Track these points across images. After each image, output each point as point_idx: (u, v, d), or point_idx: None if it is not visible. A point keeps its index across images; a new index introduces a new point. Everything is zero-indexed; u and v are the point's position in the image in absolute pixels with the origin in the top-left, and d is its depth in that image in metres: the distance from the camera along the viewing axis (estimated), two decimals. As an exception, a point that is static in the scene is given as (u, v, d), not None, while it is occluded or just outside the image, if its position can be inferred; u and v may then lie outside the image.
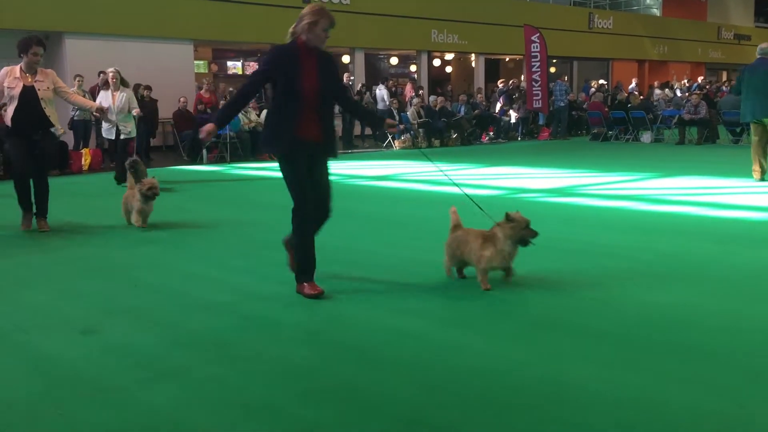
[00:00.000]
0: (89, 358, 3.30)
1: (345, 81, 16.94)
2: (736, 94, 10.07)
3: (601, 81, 23.98)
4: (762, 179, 9.08)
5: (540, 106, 19.50)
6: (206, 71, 19.41)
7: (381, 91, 17.90)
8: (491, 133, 19.03)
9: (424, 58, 21.63)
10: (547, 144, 17.99)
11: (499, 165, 12.25)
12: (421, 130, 17.19)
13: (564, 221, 6.71)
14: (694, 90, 21.04)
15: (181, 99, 14.48)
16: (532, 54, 19.60)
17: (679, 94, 23.22)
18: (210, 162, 13.87)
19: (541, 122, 20.03)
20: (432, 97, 18.77)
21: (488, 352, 3.28)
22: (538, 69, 19.45)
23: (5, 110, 6.46)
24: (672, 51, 28.64)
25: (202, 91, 15.78)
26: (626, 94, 20.05)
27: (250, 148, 14.12)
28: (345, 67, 19.14)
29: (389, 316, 3.87)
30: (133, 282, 4.73)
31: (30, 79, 6.45)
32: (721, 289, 4.27)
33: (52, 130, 6.56)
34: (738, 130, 15.85)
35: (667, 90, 23.87)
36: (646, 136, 17.20)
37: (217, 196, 9.36)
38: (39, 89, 6.41)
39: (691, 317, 3.73)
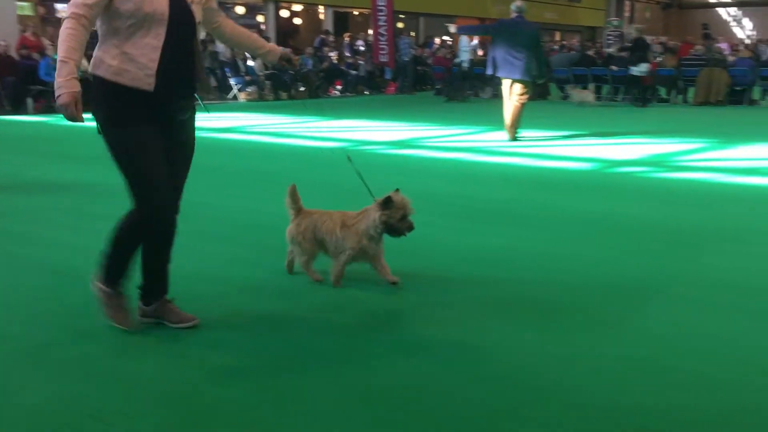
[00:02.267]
0: None
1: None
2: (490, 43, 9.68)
3: (445, 38, 24.62)
4: (515, 138, 9.10)
5: (386, 60, 19.76)
6: (32, 13, 17.84)
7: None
8: (338, 87, 19.07)
9: (272, 8, 21.15)
10: (393, 98, 18.31)
11: (345, 118, 12.35)
12: (268, 82, 16.91)
13: (402, 171, 6.95)
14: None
15: (3, 42, 13.27)
16: (379, 8, 19.73)
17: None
18: (37, 112, 12.89)
19: (387, 77, 20.32)
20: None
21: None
22: (385, 23, 19.64)
23: (108, 59, 2.69)
24: (505, 10, 29.84)
25: (27, 34, 14.53)
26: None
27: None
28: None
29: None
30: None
31: None
32: (539, 232, 4.64)
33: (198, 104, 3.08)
34: (566, 87, 17.02)
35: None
36: (487, 91, 17.97)
37: (41, 149, 8.76)
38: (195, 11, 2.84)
39: (507, 255, 4.05)
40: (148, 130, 2.72)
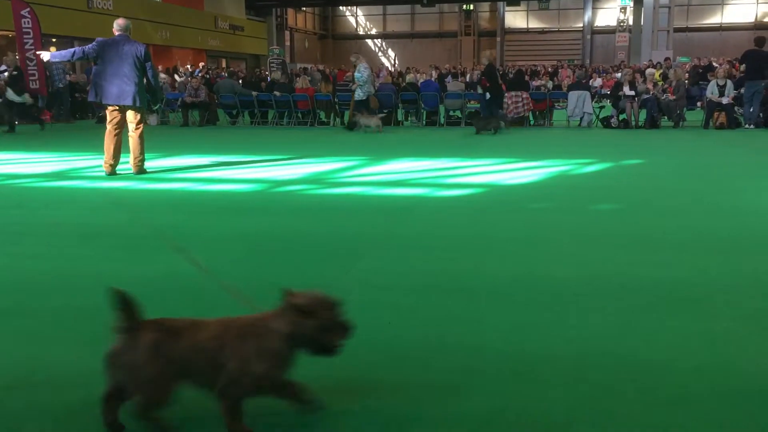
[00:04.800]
0: None
1: None
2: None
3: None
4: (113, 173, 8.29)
5: (38, 87, 18.13)
6: None
7: None
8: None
9: None
10: (48, 127, 16.84)
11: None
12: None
13: (54, 204, 6.45)
14: (197, 75, 22.13)
15: None
16: (24, 30, 18.05)
17: (181, 78, 24.12)
18: None
19: (41, 104, 18.63)
20: None
21: None
22: (32, 47, 18.01)
23: None
24: (175, 37, 29.53)
25: None
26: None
27: None
28: None
29: None
30: None
31: None
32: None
33: None
34: (234, 112, 17.37)
35: (175, 75, 24.58)
36: (152, 119, 17.49)
37: None
38: None
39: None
40: None
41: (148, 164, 8.72)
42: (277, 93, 17.00)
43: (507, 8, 45.00)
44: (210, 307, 3.41)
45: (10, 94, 16.12)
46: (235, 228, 5.52)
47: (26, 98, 16.49)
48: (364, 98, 15.17)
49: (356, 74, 15.16)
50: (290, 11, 43.33)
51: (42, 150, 11.43)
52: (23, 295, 3.80)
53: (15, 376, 2.77)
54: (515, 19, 46.61)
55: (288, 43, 42.16)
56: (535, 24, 46.32)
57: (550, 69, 29.82)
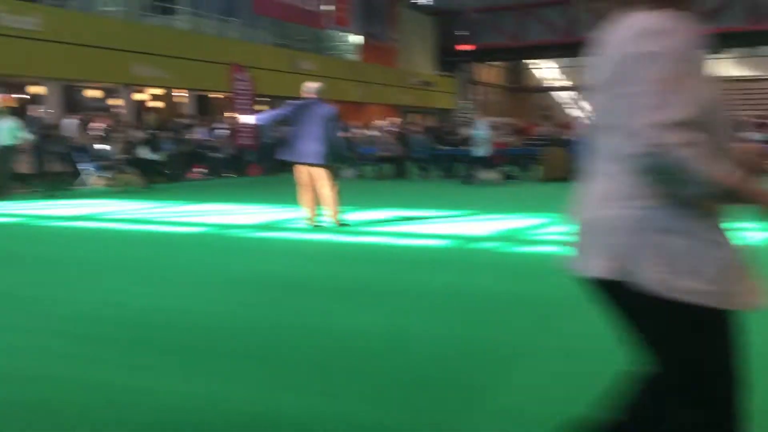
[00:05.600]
0: None
1: (36, 113, 15.55)
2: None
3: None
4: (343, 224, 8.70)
5: (249, 142, 19.81)
6: None
7: (69, 122, 16.54)
8: (201, 170, 18.81)
9: (126, 91, 20.72)
10: (256, 180, 18.29)
11: (207, 202, 12.17)
12: (131, 168, 16.36)
13: (265, 254, 6.91)
14: (390, 129, 23.00)
15: None
16: (240, 92, 19.89)
17: (376, 133, 25.17)
18: None
19: (249, 159, 20.32)
20: (138, 133, 18.00)
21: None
22: (246, 107, 19.79)
23: None
24: (369, 93, 31.08)
25: None
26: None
27: None
28: (39, 99, 17.59)
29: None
30: None
31: None
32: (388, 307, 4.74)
33: None
34: (426, 166, 17.79)
35: (369, 130, 25.76)
36: (349, 172, 18.38)
37: None
38: None
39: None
40: None
41: (346, 216, 9.11)
42: (466, 147, 17.18)
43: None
44: (422, 362, 3.41)
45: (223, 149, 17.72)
46: (430, 282, 5.55)
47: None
48: (486, 155, 15.95)
49: (475, 132, 16.31)
50: (479, 65, 44.00)
51: (250, 201, 12.37)
52: (249, 340, 4.05)
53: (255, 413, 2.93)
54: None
55: (479, 97, 42.74)
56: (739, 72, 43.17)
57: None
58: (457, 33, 37.70)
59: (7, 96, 17.84)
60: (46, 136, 15.54)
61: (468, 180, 15.90)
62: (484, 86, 45.28)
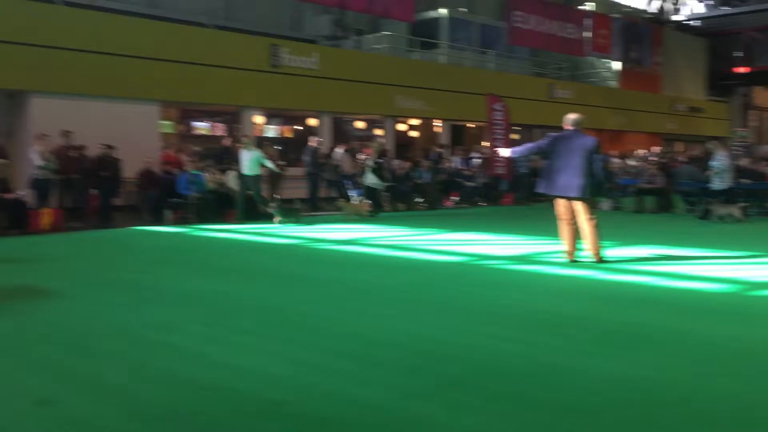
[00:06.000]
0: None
1: (314, 143, 17.09)
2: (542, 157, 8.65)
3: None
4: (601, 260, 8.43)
5: (503, 172, 19.92)
6: (173, 131, 19.47)
7: (339, 151, 17.84)
8: (455, 198, 19.31)
9: (390, 122, 22.03)
10: (509, 210, 18.30)
11: (463, 231, 12.41)
12: (386, 194, 17.34)
13: (522, 289, 6.83)
14: (652, 159, 21.68)
15: (147, 159, 14.47)
16: (495, 121, 20.12)
17: (635, 163, 23.88)
18: (174, 223, 13.79)
19: (503, 188, 20.42)
20: (397, 161, 19.03)
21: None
22: (501, 136, 19.95)
23: None
24: (629, 122, 29.63)
25: (168, 151, 15.81)
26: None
27: (216, 208, 14.09)
28: (313, 131, 19.41)
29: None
30: (93, 350, 4.66)
31: None
32: (678, 359, 4.38)
33: None
34: (694, 200, 16.38)
35: (629, 160, 24.55)
36: (606, 204, 17.62)
37: (179, 259, 9.29)
38: None
39: (651, 389, 3.82)
40: None
41: (607, 252, 8.71)
42: (745, 180, 15.58)
43: None
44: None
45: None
46: (709, 332, 5.07)
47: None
48: (724, 188, 14.62)
49: (715, 163, 14.72)
50: (757, 89, 39.89)
51: (505, 231, 12.38)
52: (503, 379, 4.03)
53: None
54: None
55: (755, 123, 38.76)
56: None
57: None
58: (734, 54, 34.64)
59: (285, 127, 19.93)
60: (321, 164, 17.02)
61: (705, 216, 14.34)
62: (760, 111, 40.97)
